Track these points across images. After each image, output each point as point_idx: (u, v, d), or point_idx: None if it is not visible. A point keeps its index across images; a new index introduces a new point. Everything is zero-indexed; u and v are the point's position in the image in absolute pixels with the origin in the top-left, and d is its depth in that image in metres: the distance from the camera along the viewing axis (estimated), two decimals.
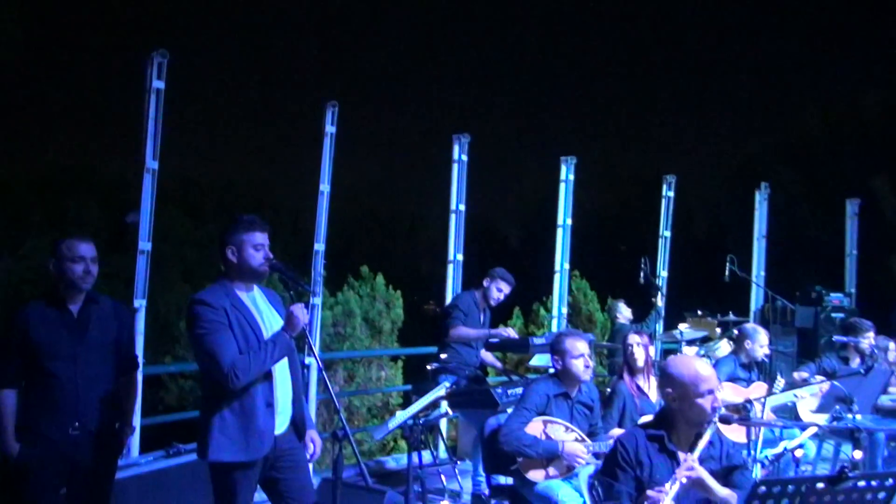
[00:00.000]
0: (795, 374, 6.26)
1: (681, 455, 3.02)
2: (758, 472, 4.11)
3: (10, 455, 3.35)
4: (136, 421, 4.47)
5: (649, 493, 2.89)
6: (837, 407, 4.61)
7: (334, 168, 6.15)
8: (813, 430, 4.05)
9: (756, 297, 9.90)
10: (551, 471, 4.16)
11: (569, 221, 8.29)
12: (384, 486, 4.52)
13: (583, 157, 8.34)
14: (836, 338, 6.67)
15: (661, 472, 3.00)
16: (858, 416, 4.40)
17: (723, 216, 25.21)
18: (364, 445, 9.15)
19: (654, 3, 57.92)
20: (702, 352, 6.95)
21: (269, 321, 3.36)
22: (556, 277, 8.36)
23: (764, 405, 4.65)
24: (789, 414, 5.48)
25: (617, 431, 4.52)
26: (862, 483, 2.44)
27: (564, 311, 8.55)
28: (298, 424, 3.41)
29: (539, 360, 6.90)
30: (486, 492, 4.89)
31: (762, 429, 4.60)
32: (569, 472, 4.13)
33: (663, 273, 9.01)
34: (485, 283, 6.18)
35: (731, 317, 8.24)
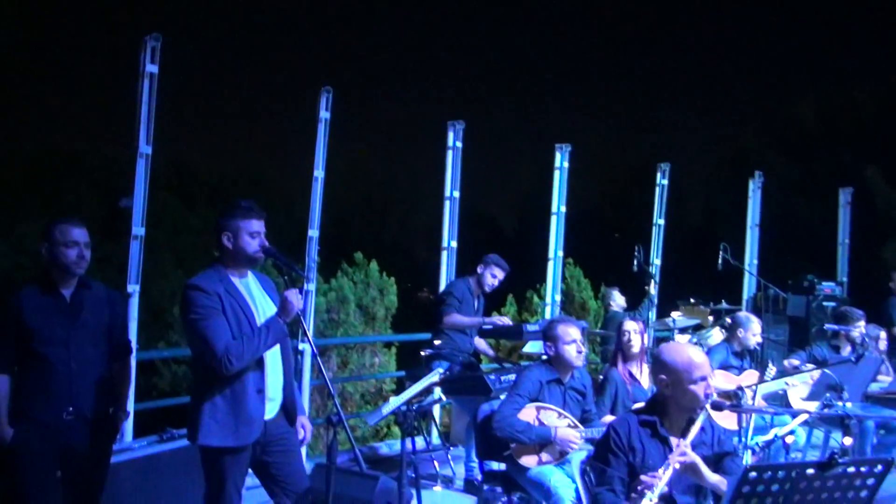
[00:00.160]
0: (787, 362, 6.29)
1: (673, 440, 3.05)
2: (748, 459, 4.13)
3: (4, 440, 3.34)
4: (130, 406, 4.46)
5: (643, 477, 2.91)
6: (828, 395, 4.65)
7: (328, 154, 6.12)
8: (803, 417, 4.06)
9: (748, 286, 9.92)
10: (544, 456, 4.18)
11: (563, 209, 8.28)
12: (377, 472, 4.54)
13: (577, 144, 8.33)
14: (827, 326, 6.72)
15: (654, 458, 3.03)
16: (849, 404, 4.41)
17: (716, 204, 25.23)
18: (357, 431, 9.17)
19: None
20: (694, 340, 6.98)
21: (263, 307, 3.37)
22: (550, 265, 8.36)
23: (755, 392, 4.69)
24: (780, 401, 5.51)
25: (609, 418, 4.53)
26: (851, 469, 2.46)
27: (558, 298, 8.57)
28: (289, 410, 3.43)
29: (532, 347, 6.92)
30: (479, 477, 4.92)
31: (753, 416, 4.63)
32: (561, 458, 4.15)
33: (657, 261, 9.02)
34: (479, 270, 6.19)
35: (724, 305, 8.25)
